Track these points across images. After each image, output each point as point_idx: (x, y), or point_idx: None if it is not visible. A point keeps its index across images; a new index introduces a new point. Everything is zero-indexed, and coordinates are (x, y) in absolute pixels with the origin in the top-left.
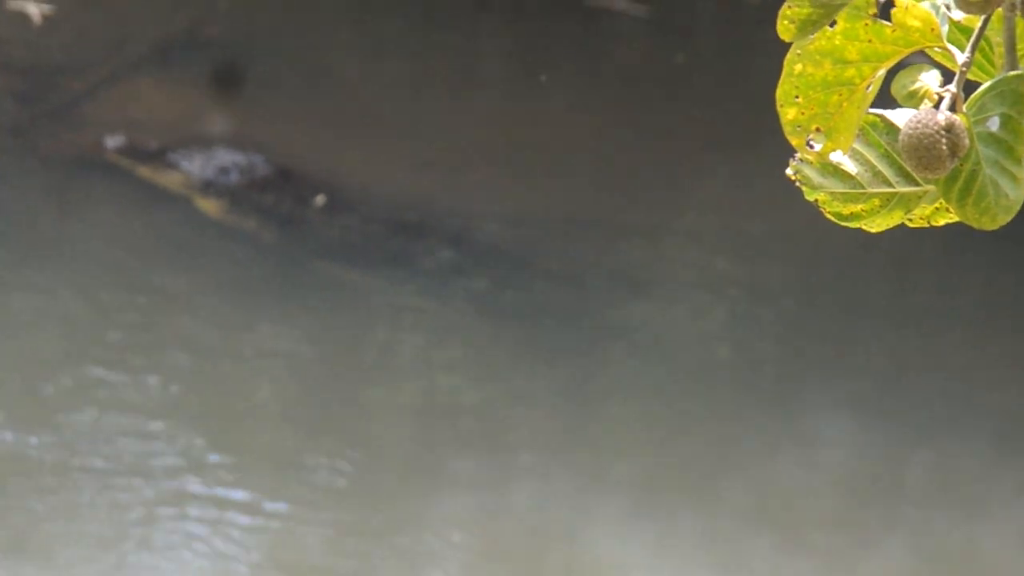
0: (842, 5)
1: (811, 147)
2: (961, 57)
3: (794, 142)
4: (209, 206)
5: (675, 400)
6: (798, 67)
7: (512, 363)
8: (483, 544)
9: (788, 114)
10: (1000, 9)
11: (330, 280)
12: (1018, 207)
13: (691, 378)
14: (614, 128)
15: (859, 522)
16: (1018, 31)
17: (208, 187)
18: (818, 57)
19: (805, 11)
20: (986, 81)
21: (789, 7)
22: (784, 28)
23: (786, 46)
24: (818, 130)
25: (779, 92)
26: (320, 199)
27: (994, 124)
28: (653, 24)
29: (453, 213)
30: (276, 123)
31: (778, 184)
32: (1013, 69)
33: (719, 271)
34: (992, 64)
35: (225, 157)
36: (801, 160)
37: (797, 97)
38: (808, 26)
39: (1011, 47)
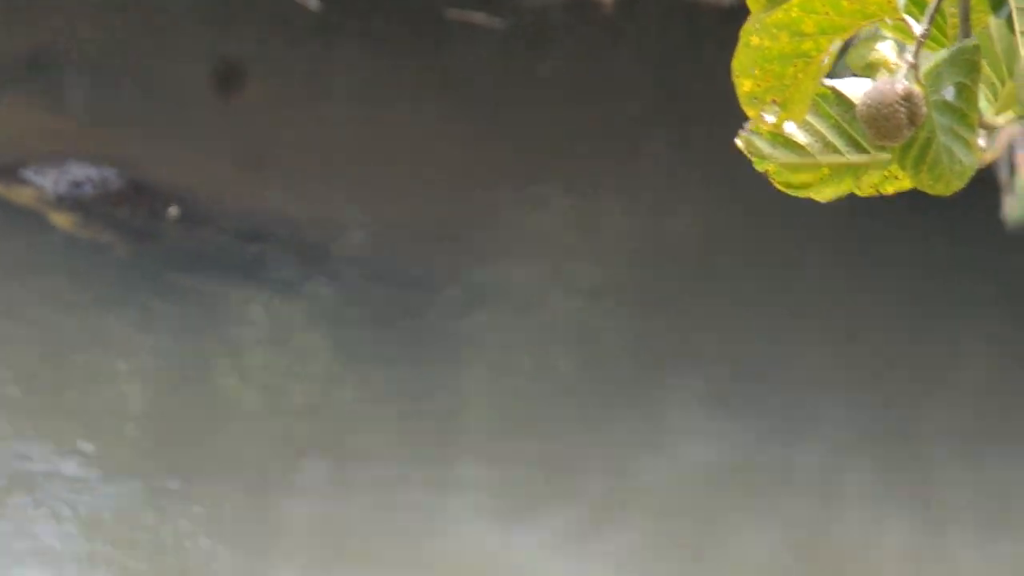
0: None
1: (766, 119)
2: (918, 28)
3: (749, 113)
4: (63, 220)
5: (529, 400)
6: (755, 39)
7: (363, 370)
8: (326, 546)
9: (744, 86)
10: None
11: (184, 291)
12: (971, 173)
13: (545, 378)
14: (466, 137)
15: (716, 511)
16: (972, 2)
17: (61, 201)
18: (775, 30)
19: None
20: (939, 52)
21: None
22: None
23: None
24: (774, 101)
25: (735, 64)
26: (173, 211)
27: (949, 93)
28: (510, 36)
29: (305, 223)
30: (128, 138)
31: (627, 189)
32: (967, 39)
33: (570, 274)
34: (945, 35)
35: (78, 171)
36: (751, 131)
37: (754, 69)
38: None
39: (965, 17)
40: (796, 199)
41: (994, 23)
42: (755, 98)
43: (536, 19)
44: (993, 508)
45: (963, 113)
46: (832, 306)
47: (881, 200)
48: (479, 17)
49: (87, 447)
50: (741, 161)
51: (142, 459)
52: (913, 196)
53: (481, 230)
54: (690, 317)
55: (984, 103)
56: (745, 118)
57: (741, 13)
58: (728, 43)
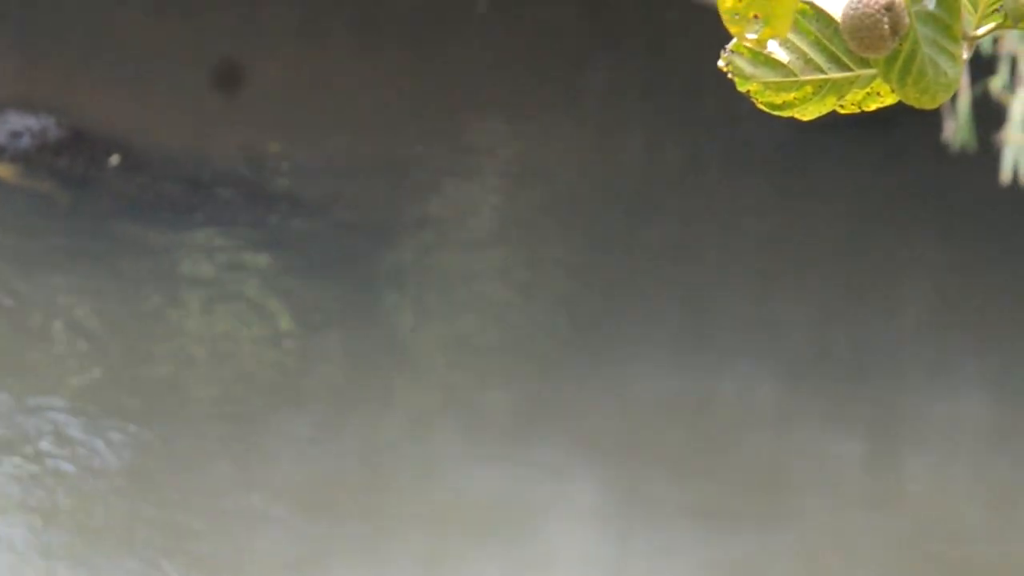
0: None
1: (748, 36)
2: None
3: (732, 30)
4: (3, 171)
5: (479, 339)
6: None
7: (309, 311)
8: (303, 492)
9: (726, 2)
10: None
11: (127, 238)
12: (956, 85)
13: (492, 316)
14: (402, 75)
15: (671, 448)
16: None
17: (1, 152)
18: None
19: None
20: None
21: None
22: None
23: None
24: (756, 17)
25: None
26: (114, 159)
27: (931, 3)
28: None
29: (244, 166)
30: (66, 86)
31: (566, 122)
32: None
33: (512, 206)
34: None
35: (17, 121)
36: (732, 52)
37: None
38: None
39: None
40: (735, 126)
41: None
42: (737, 14)
43: None
44: (940, 427)
45: (946, 24)
46: (775, 236)
47: (822, 127)
48: None
49: (34, 399)
50: (682, 89)
51: (92, 406)
52: (851, 119)
53: (426, 163)
54: (632, 248)
55: (965, 15)
56: (712, 42)
57: None
58: None
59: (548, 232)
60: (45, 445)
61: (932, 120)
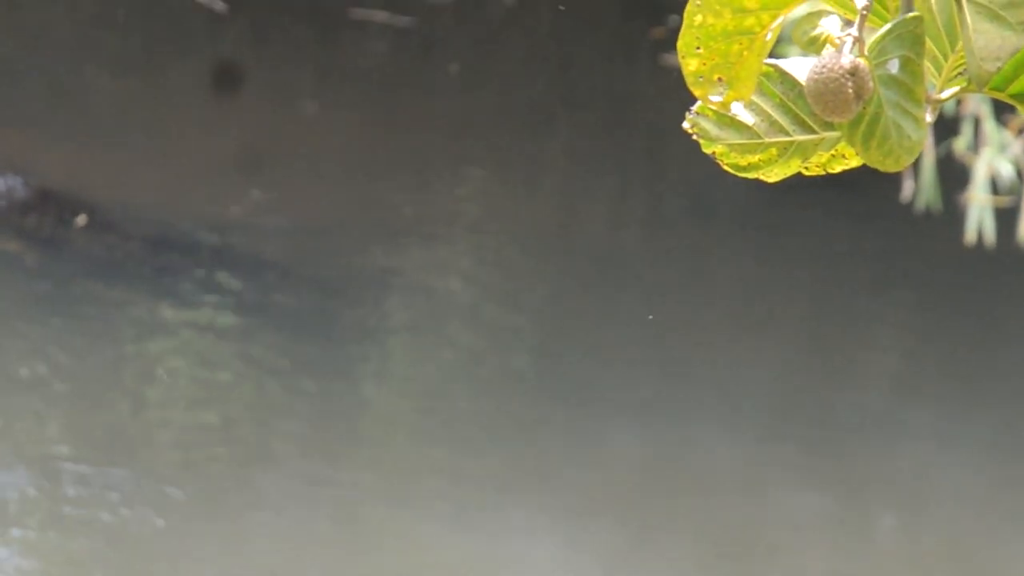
0: None
1: (712, 99)
2: (861, 1)
3: (696, 93)
4: None
5: (449, 399)
6: (698, 18)
7: (272, 373)
8: (242, 559)
9: (690, 65)
10: None
11: (94, 298)
12: (920, 148)
13: (462, 375)
14: (369, 135)
15: (642, 511)
16: None
17: None
18: (718, 7)
19: None
20: (880, 26)
21: None
22: None
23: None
24: (720, 80)
25: (680, 44)
26: (81, 219)
27: (894, 66)
28: (411, 32)
29: (210, 225)
30: (32, 146)
31: (531, 177)
32: (909, 11)
33: (483, 274)
34: (887, 8)
35: None
36: (697, 113)
37: (698, 48)
38: None
39: None
40: (699, 187)
41: None
42: (701, 77)
43: (435, 15)
44: (908, 487)
45: (909, 87)
46: (742, 295)
47: (788, 187)
48: (382, 16)
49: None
50: (647, 150)
51: (53, 461)
52: (815, 180)
53: (392, 221)
54: (600, 308)
55: (929, 79)
56: (675, 102)
57: (637, 5)
58: (624, 34)
59: (516, 290)
60: (3, 498)
61: (897, 180)
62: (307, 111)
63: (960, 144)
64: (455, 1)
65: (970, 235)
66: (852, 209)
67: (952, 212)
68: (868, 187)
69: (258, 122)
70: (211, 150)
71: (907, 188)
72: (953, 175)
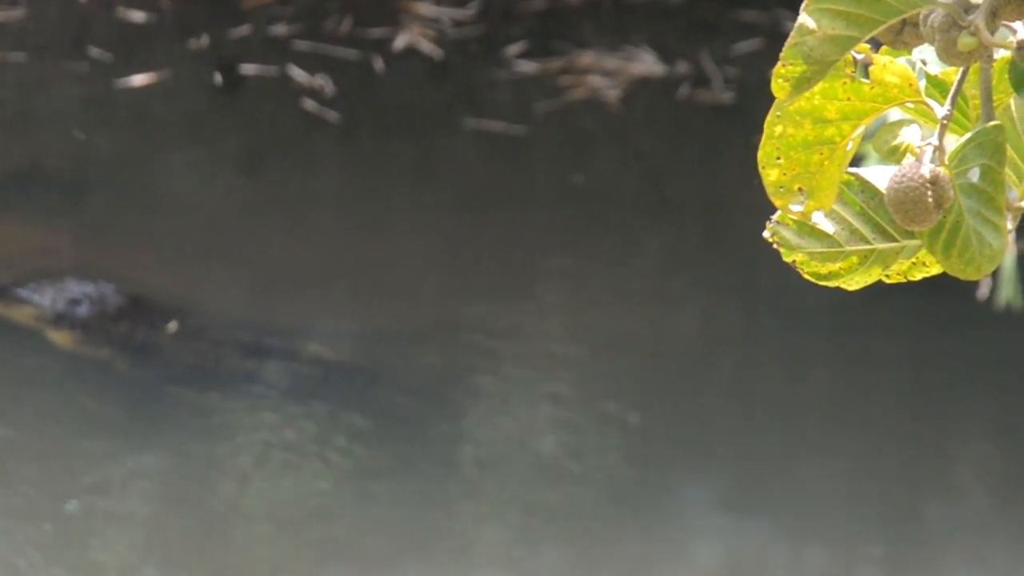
0: (834, 61)
1: (793, 209)
2: (941, 110)
3: (777, 203)
4: (62, 338)
5: (534, 506)
6: (779, 128)
7: (364, 480)
8: None
9: (770, 175)
10: (977, 62)
11: (186, 405)
12: (1001, 256)
13: (547, 483)
14: (458, 241)
15: None
16: (993, 83)
17: (60, 319)
18: (798, 118)
19: (799, 69)
20: (961, 134)
21: (783, 66)
22: (779, 87)
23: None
24: (800, 190)
25: (761, 154)
26: (172, 325)
27: (975, 175)
28: (516, 140)
29: (303, 332)
30: (124, 252)
31: (621, 288)
32: (990, 120)
33: (566, 375)
34: (967, 117)
35: (75, 288)
36: (777, 222)
37: (779, 158)
38: (803, 83)
39: (987, 98)
40: (788, 295)
41: (1015, 103)
42: (782, 187)
43: (547, 122)
44: None
45: (990, 195)
46: (831, 399)
47: (874, 293)
48: (497, 126)
49: (89, 562)
50: (737, 258)
51: (144, 573)
52: (904, 285)
53: (475, 333)
54: (693, 417)
55: (1009, 185)
56: (767, 210)
57: (735, 110)
58: (721, 140)
59: (603, 396)
60: None
61: (979, 282)
62: (391, 217)
63: None
64: (563, 107)
65: None
66: (938, 311)
67: None
68: (951, 289)
69: (347, 231)
70: (302, 257)
71: (983, 285)
72: None
